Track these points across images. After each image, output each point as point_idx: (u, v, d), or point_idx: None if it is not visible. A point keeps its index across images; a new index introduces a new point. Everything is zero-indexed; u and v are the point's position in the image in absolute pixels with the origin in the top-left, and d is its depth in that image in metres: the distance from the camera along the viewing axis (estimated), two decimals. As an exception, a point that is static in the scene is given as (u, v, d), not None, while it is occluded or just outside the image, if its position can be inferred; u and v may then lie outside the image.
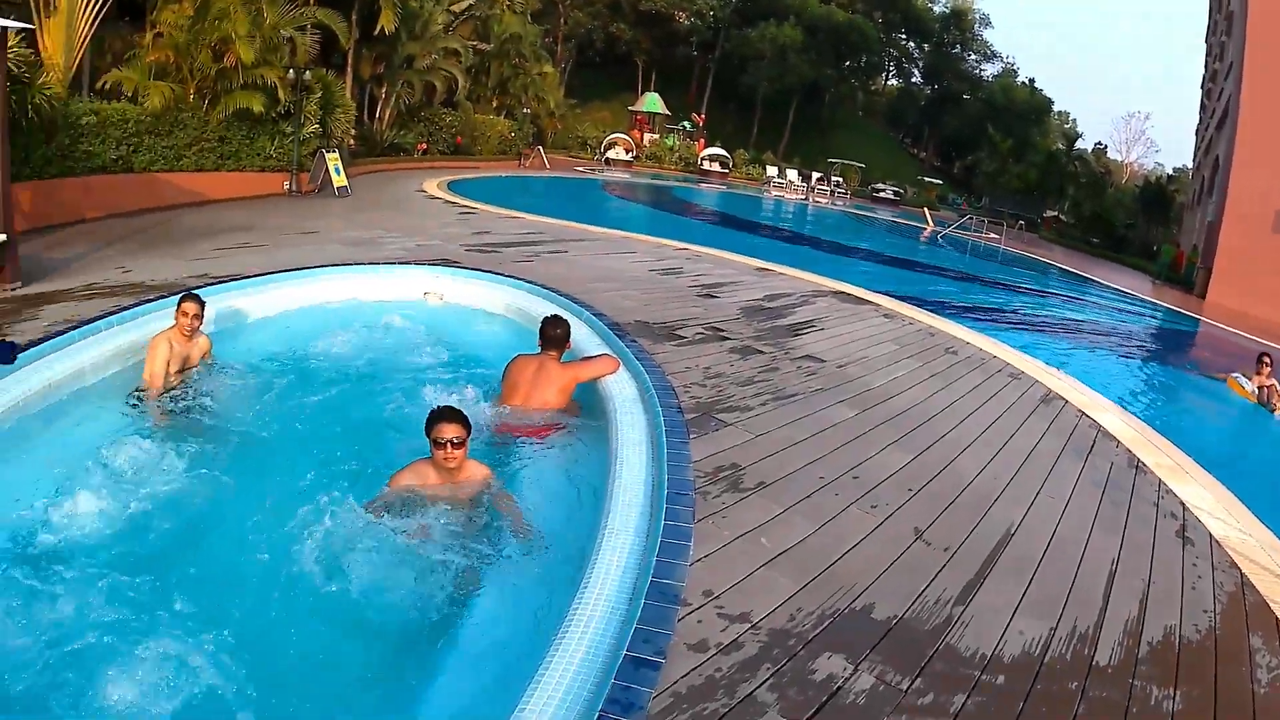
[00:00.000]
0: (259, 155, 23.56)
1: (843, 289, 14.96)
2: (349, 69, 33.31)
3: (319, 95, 24.93)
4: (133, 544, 6.08)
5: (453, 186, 28.22)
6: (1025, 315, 21.07)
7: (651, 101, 67.69)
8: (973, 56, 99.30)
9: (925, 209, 48.32)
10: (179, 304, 8.91)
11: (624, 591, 4.98)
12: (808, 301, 13.56)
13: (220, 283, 11.15)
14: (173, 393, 8.68)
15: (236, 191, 22.47)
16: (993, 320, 18.09)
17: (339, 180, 24.42)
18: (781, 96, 79.70)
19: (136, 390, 8.63)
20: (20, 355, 8.28)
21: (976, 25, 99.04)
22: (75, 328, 9.31)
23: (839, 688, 4.36)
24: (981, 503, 6.76)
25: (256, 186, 23.39)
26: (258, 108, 21.66)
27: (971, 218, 45.11)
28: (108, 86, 20.75)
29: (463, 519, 6.37)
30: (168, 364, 8.74)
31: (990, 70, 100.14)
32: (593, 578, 5.10)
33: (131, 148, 19.76)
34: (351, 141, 28.45)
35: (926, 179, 74.06)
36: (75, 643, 4.91)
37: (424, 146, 38.11)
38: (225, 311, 10.43)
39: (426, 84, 36.82)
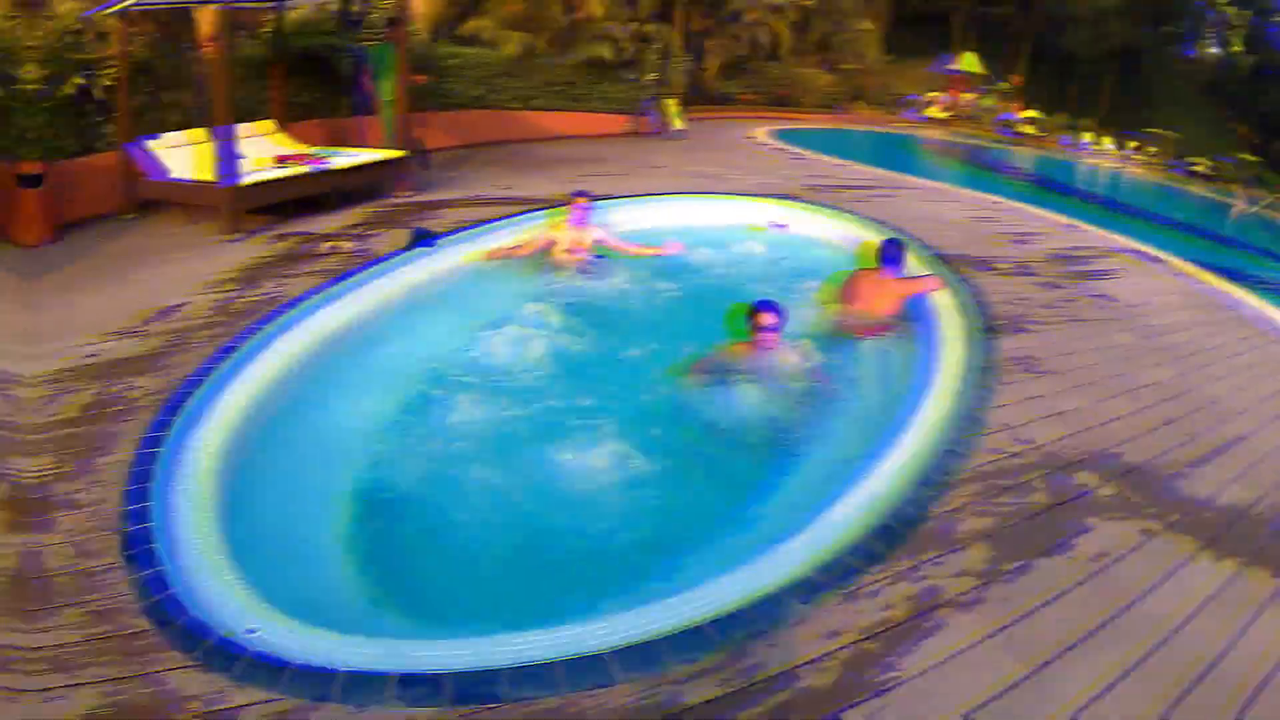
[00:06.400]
0: (602, 98, 25.58)
1: (1143, 248, 15.24)
2: (680, 23, 34.97)
3: (659, 46, 26.69)
4: (525, 376, 8.31)
5: (780, 134, 29.22)
6: None
7: (969, 61, 66.83)
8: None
9: (1239, 185, 47.00)
10: (572, 198, 11.36)
11: (945, 419, 7.00)
12: (1107, 255, 14.22)
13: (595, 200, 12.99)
14: (567, 267, 11.13)
15: (583, 130, 24.65)
16: None
17: (678, 124, 26.23)
18: (1099, 61, 77.47)
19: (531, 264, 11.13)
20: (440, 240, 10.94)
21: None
22: (488, 221, 12.11)
23: (1089, 491, 6.19)
24: (1223, 411, 8.00)
25: (601, 126, 25.45)
26: (607, 56, 23.66)
27: None
28: (466, 34, 23.08)
29: (776, 381, 8.25)
30: (555, 242, 11.26)
31: None
32: (922, 410, 7.15)
33: (489, 88, 22.12)
34: (683, 89, 30.10)
35: (1244, 155, 69.90)
36: (484, 431, 7.25)
37: (750, 97, 39.51)
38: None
39: (752, 38, 38.08)
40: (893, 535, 5.37)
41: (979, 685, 4.13)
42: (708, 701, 3.91)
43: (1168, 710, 4.13)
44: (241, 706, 3.78)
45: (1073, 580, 5.10)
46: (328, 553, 5.80)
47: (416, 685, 3.91)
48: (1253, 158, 66.31)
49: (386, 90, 15.89)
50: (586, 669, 4.06)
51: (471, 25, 23.69)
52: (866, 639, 4.42)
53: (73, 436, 6.17)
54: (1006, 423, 7.13)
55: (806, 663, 4.21)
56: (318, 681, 3.92)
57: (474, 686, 3.92)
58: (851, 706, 3.95)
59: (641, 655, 4.16)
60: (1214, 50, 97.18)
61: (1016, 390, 7.85)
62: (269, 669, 3.99)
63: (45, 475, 5.65)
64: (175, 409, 6.47)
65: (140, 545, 4.89)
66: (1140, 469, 6.64)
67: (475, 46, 23.15)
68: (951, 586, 4.92)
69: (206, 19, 15.65)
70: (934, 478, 6.11)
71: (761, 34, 37.86)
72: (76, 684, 3.89)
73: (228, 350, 7.49)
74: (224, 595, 4.52)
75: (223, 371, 7.15)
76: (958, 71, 64.53)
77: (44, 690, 3.85)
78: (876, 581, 4.92)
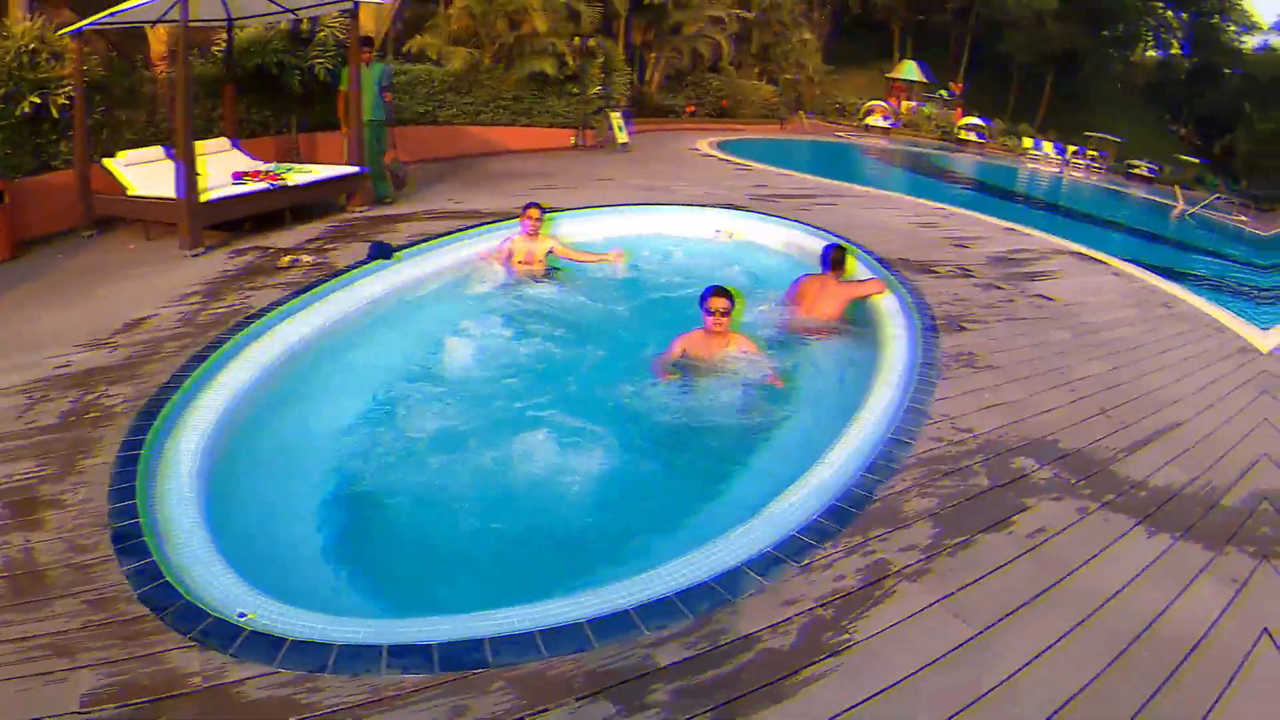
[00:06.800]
0: (548, 113, 25.97)
1: (1081, 250, 15.77)
2: (621, 36, 35.27)
3: (601, 60, 27.05)
4: (487, 379, 8.72)
5: (723, 146, 29.85)
6: (1253, 288, 21.38)
7: (909, 69, 67.11)
8: (1232, 27, 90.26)
9: (1176, 187, 47.21)
10: (524, 210, 11.68)
11: (890, 411, 7.46)
12: (1046, 257, 14.69)
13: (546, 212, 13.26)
14: (522, 278, 11.47)
15: (528, 144, 25.01)
16: (1217, 288, 18.61)
17: (622, 137, 26.60)
18: (1038, 66, 77.64)
19: (487, 275, 11.54)
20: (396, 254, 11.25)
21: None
22: (440, 236, 12.51)
23: (1027, 474, 6.61)
24: (1158, 401, 8.43)
25: (546, 140, 25.81)
26: (551, 70, 24.01)
27: (1220, 198, 44.13)
28: (413, 51, 23.33)
29: (729, 370, 8.72)
30: (512, 255, 11.54)
31: (1252, 43, 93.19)
32: (869, 402, 7.62)
33: (436, 103, 22.64)
34: (625, 102, 30.39)
35: (1183, 157, 69.57)
36: (449, 431, 7.60)
37: (692, 109, 39.77)
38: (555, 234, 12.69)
39: (693, 50, 38.43)
40: (843, 515, 5.76)
41: (928, 647, 4.50)
42: (677, 663, 4.26)
43: (1105, 669, 4.47)
44: (242, 680, 4.03)
45: (1013, 554, 5.49)
46: (303, 542, 6.16)
47: (407, 654, 4.20)
48: (1192, 159, 66.86)
49: (366, 107, 15.99)
50: (565, 637, 4.38)
51: (417, 42, 23.98)
52: (821, 606, 4.78)
53: (53, 442, 6.37)
54: (948, 413, 7.55)
55: (766, 628, 4.57)
56: (314, 654, 4.19)
57: (461, 653, 4.23)
58: (808, 666, 4.30)
59: (615, 624, 4.50)
60: (1152, 53, 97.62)
61: (957, 384, 8.26)
62: (266, 645, 4.25)
63: (29, 478, 5.85)
64: (153, 414, 6.73)
65: (131, 539, 5.13)
66: (1077, 454, 7.04)
67: (422, 63, 23.43)
68: (899, 560, 5.30)
69: (159, 39, 15.85)
70: (880, 464, 6.51)
71: (702, 46, 38.25)
72: (77, 667, 4.09)
73: (200, 358, 7.76)
74: (214, 583, 4.78)
75: (196, 378, 7.43)
76: (898, 79, 65.09)
77: (45, 674, 4.05)
78: (829, 556, 5.29)
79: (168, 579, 4.77)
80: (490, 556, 6.18)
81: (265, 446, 7.14)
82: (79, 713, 3.82)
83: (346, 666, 4.11)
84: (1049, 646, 4.59)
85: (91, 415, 6.81)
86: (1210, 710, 4.27)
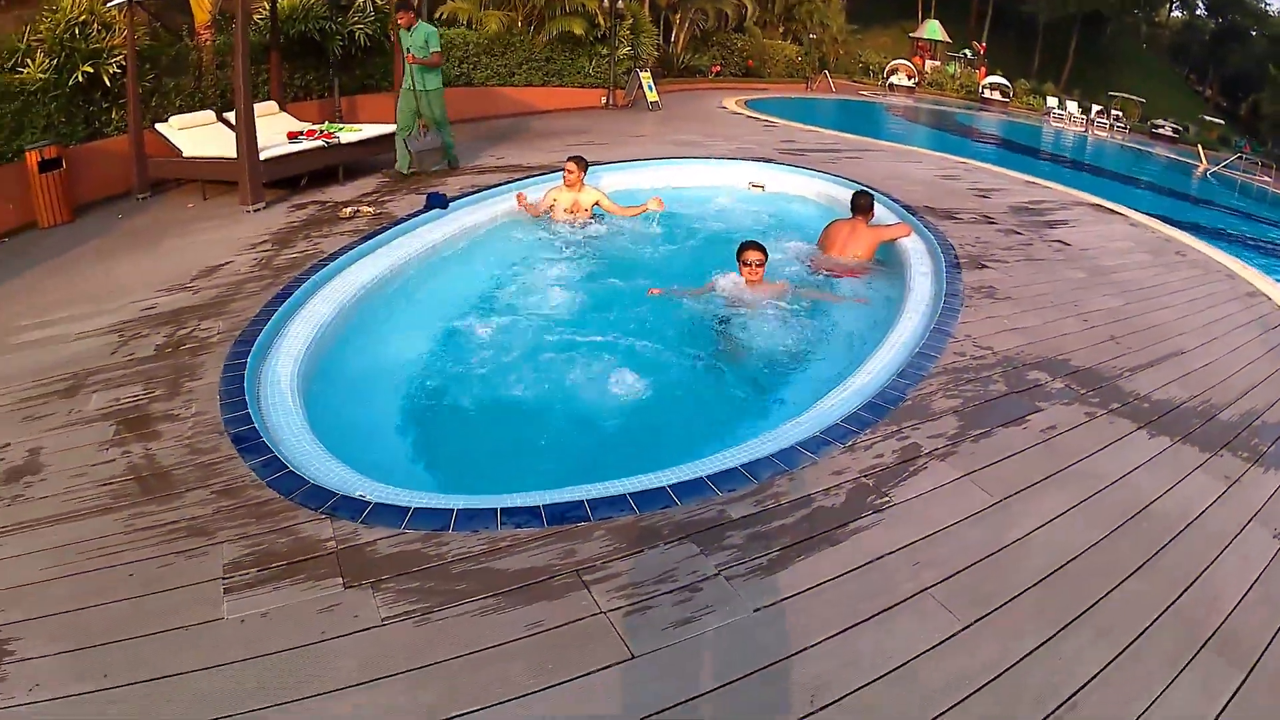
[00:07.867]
0: (579, 73, 26.63)
1: (1100, 202, 16.12)
2: (647, -3, 35.67)
3: (630, 21, 27.59)
4: (537, 314, 9.40)
5: (750, 104, 30.15)
6: (1268, 243, 21.74)
7: (932, 28, 66.76)
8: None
9: (1200, 146, 47.09)
10: (566, 162, 12.33)
11: (917, 332, 8.28)
12: (1065, 207, 15.14)
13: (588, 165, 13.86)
14: (567, 225, 12.16)
15: (560, 104, 25.65)
16: (1233, 242, 18.94)
17: (652, 96, 27.10)
18: (1062, 25, 77.27)
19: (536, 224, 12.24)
20: (452, 204, 11.97)
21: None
22: (492, 187, 13.32)
23: (1040, 384, 7.33)
24: (1165, 333, 9.02)
25: (577, 100, 26.45)
26: (579, 31, 24.58)
27: (1243, 158, 44.10)
28: (444, 16, 23.90)
29: (761, 311, 9.38)
30: (555, 203, 12.23)
31: (1277, 5, 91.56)
32: (898, 325, 8.47)
33: (471, 66, 23.26)
34: (652, 62, 30.80)
35: (1208, 118, 68.64)
36: (506, 361, 8.27)
37: (718, 69, 40.09)
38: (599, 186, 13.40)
39: (718, 10, 38.72)
40: (879, 410, 6.55)
41: (955, 509, 5.27)
42: (746, 516, 5.05)
43: (1108, 534, 5.19)
44: (374, 541, 4.73)
45: (1027, 443, 6.24)
46: (392, 442, 7.04)
47: (518, 515, 4.96)
48: (1216, 120, 66.32)
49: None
50: (653, 498, 5.17)
51: (449, 7, 24.58)
52: (864, 476, 5.58)
53: (156, 369, 7.11)
54: (969, 334, 8.28)
55: (819, 491, 5.37)
56: (436, 518, 4.93)
57: (565, 510, 5.01)
58: (855, 520, 5.09)
59: (694, 488, 5.30)
60: (1177, 14, 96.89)
61: (978, 311, 8.96)
62: (392, 514, 4.97)
63: (140, 399, 6.57)
64: (250, 341, 7.51)
65: (251, 440, 5.87)
66: (1087, 371, 7.72)
67: (455, 28, 24.04)
68: (929, 444, 6.08)
69: (203, 9, 16.47)
70: (910, 371, 7.30)
71: (727, 6, 38.46)
72: (216, 542, 4.75)
73: (284, 295, 8.53)
74: (331, 472, 5.54)
75: (284, 311, 8.25)
76: (922, 39, 64.87)
77: (185, 551, 4.69)
78: (869, 440, 6.09)
79: (291, 469, 5.49)
80: (560, 452, 6.96)
81: (349, 368, 7.98)
82: (223, 578, 4.45)
83: (466, 525, 4.85)
84: (1059, 515, 5.33)
85: (189, 346, 7.55)
86: (1202, 573, 4.94)
